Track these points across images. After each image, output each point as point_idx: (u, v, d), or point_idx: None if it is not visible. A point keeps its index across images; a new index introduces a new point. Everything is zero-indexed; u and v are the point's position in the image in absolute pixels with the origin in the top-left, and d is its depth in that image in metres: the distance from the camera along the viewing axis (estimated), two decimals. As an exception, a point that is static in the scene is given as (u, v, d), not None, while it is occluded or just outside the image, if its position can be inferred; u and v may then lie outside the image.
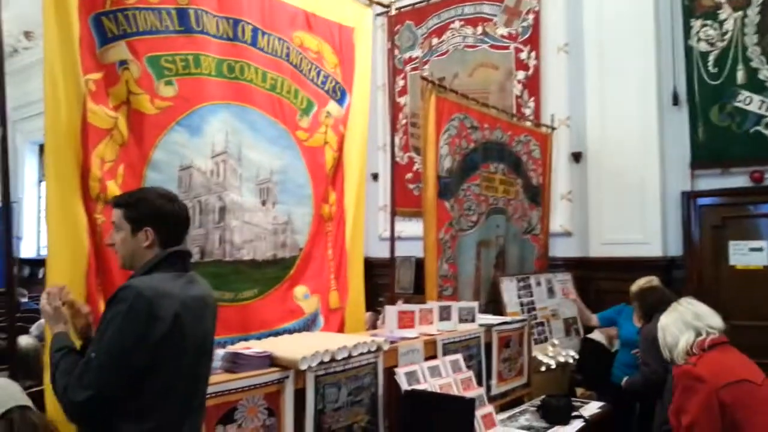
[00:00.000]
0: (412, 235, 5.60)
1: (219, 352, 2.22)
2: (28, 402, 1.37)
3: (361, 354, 2.54)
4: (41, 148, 11.69)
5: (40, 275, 10.74)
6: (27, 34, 10.33)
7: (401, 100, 7.25)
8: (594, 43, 5.73)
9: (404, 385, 2.67)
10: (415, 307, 3.12)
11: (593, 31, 5.75)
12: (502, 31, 6.47)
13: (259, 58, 3.27)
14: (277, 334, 3.07)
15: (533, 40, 6.25)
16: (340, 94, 3.75)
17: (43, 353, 2.44)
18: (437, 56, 6.99)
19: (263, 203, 3.27)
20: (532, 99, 6.22)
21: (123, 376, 1.74)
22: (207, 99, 3.01)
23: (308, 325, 3.36)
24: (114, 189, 2.58)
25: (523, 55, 6.31)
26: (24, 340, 4.01)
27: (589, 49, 5.77)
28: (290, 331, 3.19)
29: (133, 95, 2.69)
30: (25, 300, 7.18)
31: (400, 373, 2.70)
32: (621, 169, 5.51)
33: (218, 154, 3.06)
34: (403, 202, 6.28)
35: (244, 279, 3.12)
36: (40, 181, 11.93)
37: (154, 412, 1.79)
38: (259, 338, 2.86)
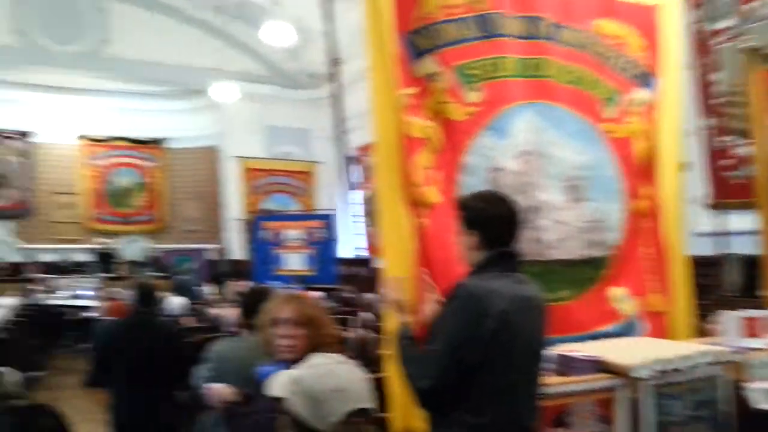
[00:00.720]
0: (735, 230, 4.90)
1: (548, 354, 2.19)
2: (371, 402, 1.48)
3: (705, 365, 2.26)
4: (352, 160, 13.28)
5: (361, 274, 12.15)
6: (337, 61, 11.84)
7: (711, 78, 6.42)
8: None
9: (760, 404, 2.30)
10: (763, 314, 2.68)
11: None
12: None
13: (559, 52, 3.18)
14: (594, 337, 2.94)
15: None
16: (647, 80, 3.45)
17: (374, 343, 2.70)
18: (754, 23, 6.01)
19: (572, 201, 3.17)
20: None
21: (457, 370, 1.83)
22: (511, 100, 3.03)
23: (627, 330, 3.14)
24: (433, 195, 2.76)
25: None
26: (358, 331, 4.56)
27: None
28: (608, 335, 3.02)
29: (444, 104, 2.84)
30: (351, 296, 8.19)
31: (754, 389, 2.34)
32: None
33: (525, 153, 3.05)
34: (720, 193, 5.54)
35: (557, 279, 3.05)
36: (354, 190, 13.50)
37: (487, 408, 1.85)
38: (576, 341, 2.77)
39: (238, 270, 12.81)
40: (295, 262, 12.35)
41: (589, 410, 2.11)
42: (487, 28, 2.96)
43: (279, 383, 1.47)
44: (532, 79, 3.10)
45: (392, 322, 2.21)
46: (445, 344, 1.85)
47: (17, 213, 13.90)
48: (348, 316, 6.40)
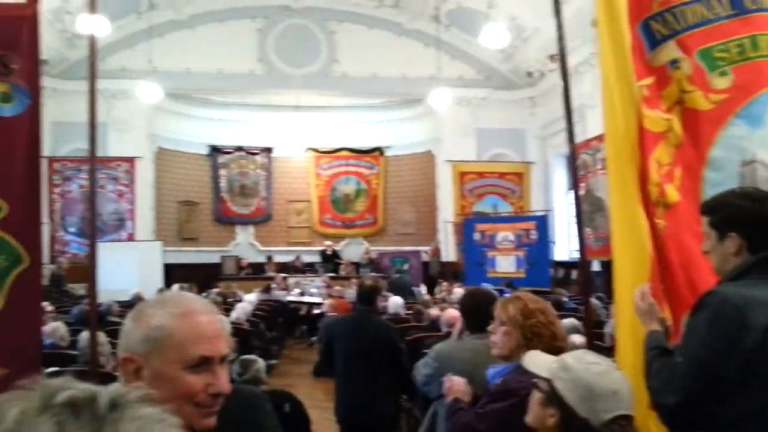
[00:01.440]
0: None
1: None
2: (632, 410, 1.53)
3: None
4: (568, 159, 12.82)
5: (572, 276, 11.67)
6: (552, 58, 11.47)
7: None
8: None
9: None
10: None
11: None
12: None
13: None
14: None
15: None
16: None
17: (594, 350, 2.53)
18: None
19: None
20: None
21: (709, 385, 1.66)
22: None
23: None
24: (672, 193, 2.53)
25: None
26: (575, 337, 4.34)
27: None
28: None
29: (685, 93, 2.58)
30: (565, 300, 7.86)
31: None
32: None
33: (787, 144, 2.64)
34: None
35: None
36: (569, 190, 13.06)
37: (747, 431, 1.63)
38: None
39: (450, 271, 13.08)
40: (505, 264, 12.26)
41: None
42: (738, 4, 2.63)
43: (542, 363, 1.65)
44: (796, 57, 2.68)
45: (638, 330, 2.06)
46: (693, 358, 1.68)
47: (259, 219, 15.80)
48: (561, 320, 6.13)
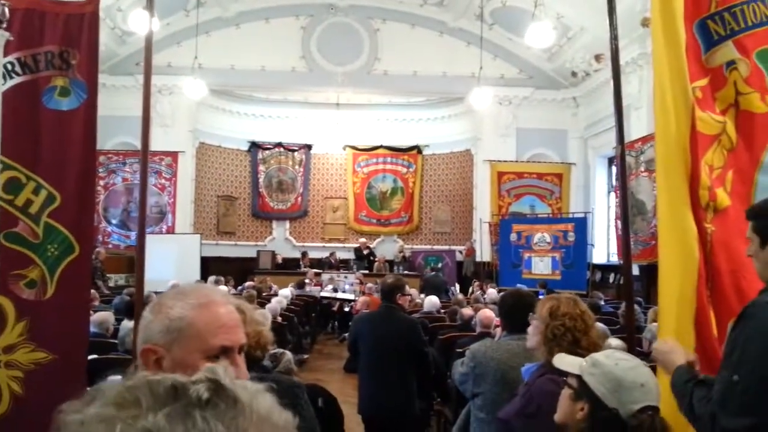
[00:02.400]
0: None
1: None
2: (659, 403, 1.58)
3: None
4: (609, 161, 12.59)
5: (610, 280, 11.48)
6: (597, 58, 11.28)
7: None
8: None
9: None
10: None
11: None
12: None
13: None
14: None
15: None
16: None
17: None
18: None
19: None
20: None
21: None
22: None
23: None
24: (723, 197, 2.47)
25: None
26: (612, 342, 4.24)
27: None
28: None
29: (741, 95, 2.52)
30: (602, 303, 7.71)
31: None
32: None
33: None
34: None
35: None
36: (609, 192, 12.81)
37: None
38: None
39: (484, 271, 12.98)
40: (541, 265, 12.12)
41: None
42: None
43: (571, 362, 1.71)
44: None
45: (681, 335, 2.02)
46: (752, 371, 1.60)
47: (295, 215, 15.93)
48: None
